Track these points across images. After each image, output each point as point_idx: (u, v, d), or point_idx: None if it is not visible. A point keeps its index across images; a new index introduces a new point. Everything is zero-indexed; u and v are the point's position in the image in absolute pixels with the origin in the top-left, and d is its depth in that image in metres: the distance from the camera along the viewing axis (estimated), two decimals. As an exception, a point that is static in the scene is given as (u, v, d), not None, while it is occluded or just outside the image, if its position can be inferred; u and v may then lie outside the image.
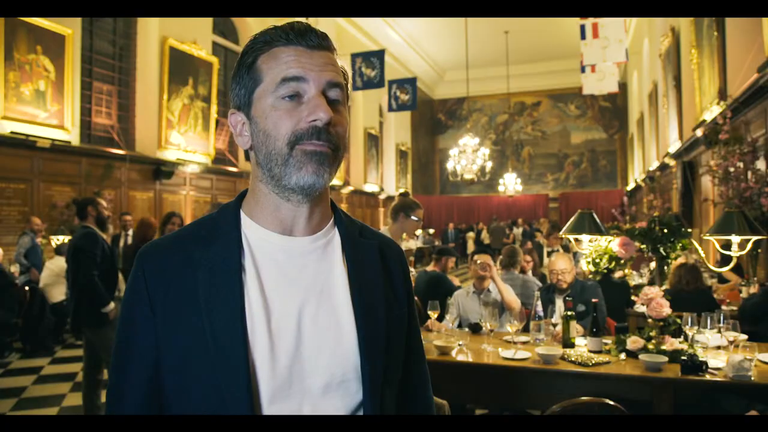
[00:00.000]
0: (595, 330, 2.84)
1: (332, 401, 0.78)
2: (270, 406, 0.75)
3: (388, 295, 0.87)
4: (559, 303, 3.38)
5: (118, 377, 0.80)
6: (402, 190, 3.70)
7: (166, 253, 0.81)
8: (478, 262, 3.54)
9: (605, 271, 4.22)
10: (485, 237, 15.80)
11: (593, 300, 3.03)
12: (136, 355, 0.78)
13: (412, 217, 3.16)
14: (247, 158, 0.87)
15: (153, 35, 8.80)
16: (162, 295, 0.78)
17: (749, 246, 3.21)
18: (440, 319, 3.48)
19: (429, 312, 3.37)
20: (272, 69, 0.78)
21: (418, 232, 13.38)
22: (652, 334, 2.76)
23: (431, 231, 16.67)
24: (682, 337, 2.82)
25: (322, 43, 0.80)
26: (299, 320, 0.78)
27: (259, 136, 0.79)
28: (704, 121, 6.18)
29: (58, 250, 6.18)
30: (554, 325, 3.14)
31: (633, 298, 4.29)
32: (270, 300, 0.78)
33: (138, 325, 0.79)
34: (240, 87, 0.81)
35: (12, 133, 6.57)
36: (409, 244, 11.94)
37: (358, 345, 0.80)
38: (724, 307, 3.95)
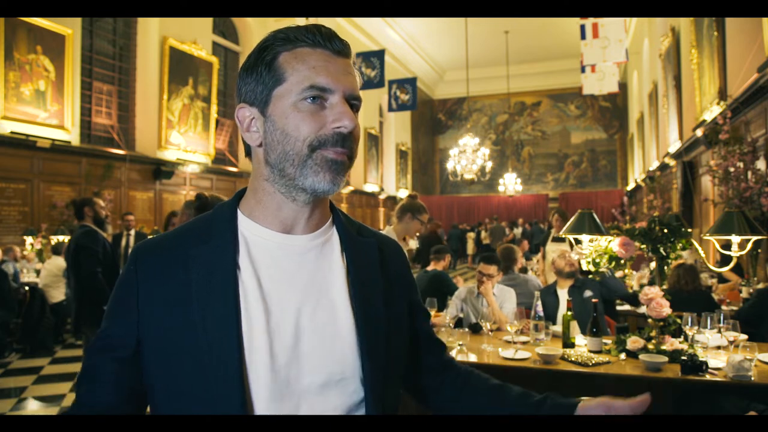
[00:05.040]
0: (595, 330, 2.84)
1: (330, 400, 0.78)
2: (267, 405, 0.74)
3: (387, 293, 0.86)
4: (564, 297, 3.43)
5: (91, 361, 0.80)
6: (410, 192, 3.72)
7: (161, 251, 0.80)
8: (479, 270, 3.57)
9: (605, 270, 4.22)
10: (485, 237, 15.80)
11: (593, 300, 3.03)
12: (117, 348, 0.78)
13: (418, 219, 3.18)
14: (247, 155, 0.85)
15: (153, 35, 8.81)
16: (153, 291, 0.77)
17: (749, 246, 3.21)
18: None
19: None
20: (298, 70, 0.77)
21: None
22: (652, 334, 2.76)
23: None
24: (682, 337, 2.82)
25: (345, 50, 0.80)
26: (297, 318, 0.78)
27: (275, 135, 0.78)
28: (704, 121, 6.18)
29: (56, 250, 6.17)
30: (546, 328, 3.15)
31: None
32: (268, 298, 0.77)
33: (119, 317, 0.79)
34: (257, 83, 0.79)
35: (12, 133, 6.58)
36: (410, 245, 11.95)
37: (357, 343, 0.79)
38: (723, 307, 3.95)
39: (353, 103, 0.80)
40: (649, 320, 2.82)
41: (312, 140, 0.76)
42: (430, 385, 0.98)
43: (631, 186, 15.55)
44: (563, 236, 5.50)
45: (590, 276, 3.78)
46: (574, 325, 2.97)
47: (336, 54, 0.79)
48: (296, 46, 0.78)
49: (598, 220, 3.53)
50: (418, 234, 3.38)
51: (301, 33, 0.78)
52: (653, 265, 4.24)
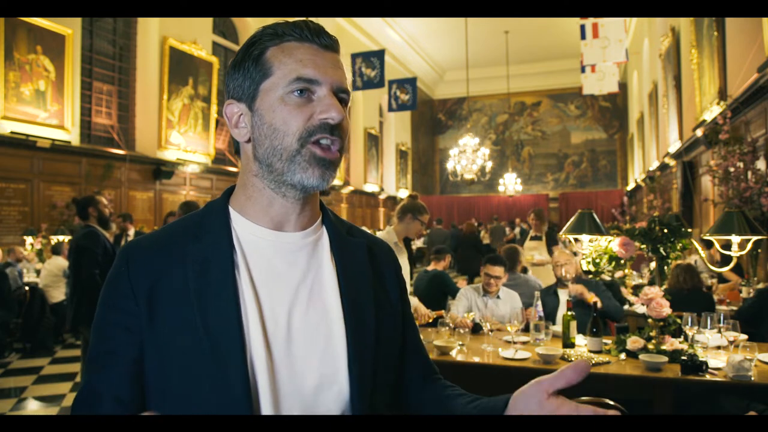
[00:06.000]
0: (595, 330, 2.84)
1: (324, 404, 0.76)
2: (264, 409, 0.72)
3: (378, 294, 0.85)
4: (564, 298, 3.42)
5: (94, 376, 0.75)
6: (410, 192, 3.72)
7: (152, 250, 0.78)
8: (486, 272, 3.56)
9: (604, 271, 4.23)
10: (485, 237, 15.80)
11: (594, 300, 3.04)
12: (118, 351, 0.74)
13: (419, 219, 3.18)
14: (237, 152, 0.84)
15: (153, 35, 8.80)
16: (147, 291, 0.74)
17: (749, 246, 3.21)
18: (435, 322, 3.48)
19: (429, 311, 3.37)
20: (285, 64, 0.76)
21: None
22: (652, 334, 2.76)
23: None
24: (682, 337, 2.82)
25: (333, 44, 0.80)
26: (289, 318, 0.76)
27: (263, 130, 0.77)
28: (704, 121, 6.18)
29: (55, 250, 6.17)
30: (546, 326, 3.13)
31: (632, 298, 4.29)
32: (262, 297, 0.76)
33: (120, 322, 0.75)
34: (245, 78, 0.78)
35: (12, 133, 6.58)
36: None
37: (347, 345, 0.78)
38: (723, 307, 3.95)
39: (342, 96, 0.79)
40: (649, 320, 2.82)
41: (301, 133, 0.75)
42: (409, 397, 0.94)
43: (631, 186, 15.54)
44: (540, 235, 5.99)
45: (590, 276, 3.78)
46: (574, 325, 2.97)
47: (324, 48, 0.79)
48: (284, 40, 0.78)
49: (598, 220, 3.53)
50: (424, 233, 3.39)
51: (289, 28, 0.78)
52: (653, 265, 4.25)
